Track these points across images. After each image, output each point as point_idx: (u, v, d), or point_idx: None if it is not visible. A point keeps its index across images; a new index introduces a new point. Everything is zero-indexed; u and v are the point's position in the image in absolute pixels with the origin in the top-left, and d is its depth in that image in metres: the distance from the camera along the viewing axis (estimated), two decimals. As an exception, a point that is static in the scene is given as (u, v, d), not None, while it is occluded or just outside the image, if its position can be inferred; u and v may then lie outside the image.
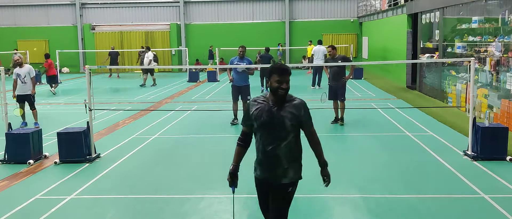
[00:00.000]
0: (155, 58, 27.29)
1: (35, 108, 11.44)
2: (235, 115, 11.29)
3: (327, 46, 11.76)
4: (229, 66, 11.14)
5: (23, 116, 11.44)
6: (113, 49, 26.52)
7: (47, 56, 19.03)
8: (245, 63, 10.80)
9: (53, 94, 18.32)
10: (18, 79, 11.09)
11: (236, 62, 10.99)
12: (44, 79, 23.66)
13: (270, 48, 21.37)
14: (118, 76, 26.45)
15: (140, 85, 20.90)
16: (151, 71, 21.65)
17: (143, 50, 26.50)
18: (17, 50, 28.31)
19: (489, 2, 11.82)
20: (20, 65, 11.25)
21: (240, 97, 11.16)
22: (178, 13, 29.91)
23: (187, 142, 9.77)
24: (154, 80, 21.40)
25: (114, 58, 25.79)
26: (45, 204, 6.13)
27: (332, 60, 10.92)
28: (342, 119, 11.06)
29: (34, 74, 11.45)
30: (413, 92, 16.85)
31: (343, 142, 9.76)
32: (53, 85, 18.82)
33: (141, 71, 23.40)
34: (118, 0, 30.01)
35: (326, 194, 6.19)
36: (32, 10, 30.65)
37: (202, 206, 6.02)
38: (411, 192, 6.37)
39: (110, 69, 26.94)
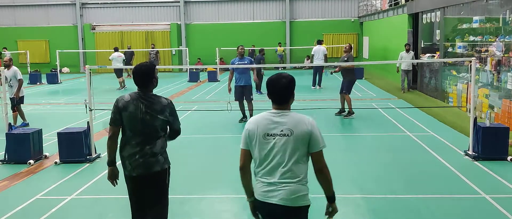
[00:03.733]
0: (157, 56, 27.11)
1: (15, 111, 11.09)
2: (243, 113, 11.37)
3: (346, 44, 12.53)
4: (231, 66, 11.27)
5: (21, 117, 11.39)
6: (130, 48, 25.57)
7: None
8: (246, 62, 10.87)
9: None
10: (5, 81, 10.64)
11: (237, 63, 11.09)
12: (44, 79, 23.63)
13: (263, 48, 21.16)
14: (128, 75, 25.86)
15: (117, 89, 19.60)
16: (117, 73, 19.77)
17: (153, 49, 26.30)
18: (6, 48, 27.77)
19: (490, 2, 11.80)
20: (8, 66, 10.96)
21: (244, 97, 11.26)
22: (178, 13, 29.89)
23: (187, 142, 9.76)
24: (120, 83, 19.66)
25: (128, 58, 24.93)
26: (45, 204, 6.12)
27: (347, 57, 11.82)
28: (340, 111, 11.82)
29: (20, 77, 11.13)
30: (414, 92, 16.83)
31: (344, 142, 9.74)
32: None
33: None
34: (118, 0, 30.00)
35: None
36: (32, 10, 30.61)
37: (202, 206, 6.01)
38: (412, 192, 6.36)
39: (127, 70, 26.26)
